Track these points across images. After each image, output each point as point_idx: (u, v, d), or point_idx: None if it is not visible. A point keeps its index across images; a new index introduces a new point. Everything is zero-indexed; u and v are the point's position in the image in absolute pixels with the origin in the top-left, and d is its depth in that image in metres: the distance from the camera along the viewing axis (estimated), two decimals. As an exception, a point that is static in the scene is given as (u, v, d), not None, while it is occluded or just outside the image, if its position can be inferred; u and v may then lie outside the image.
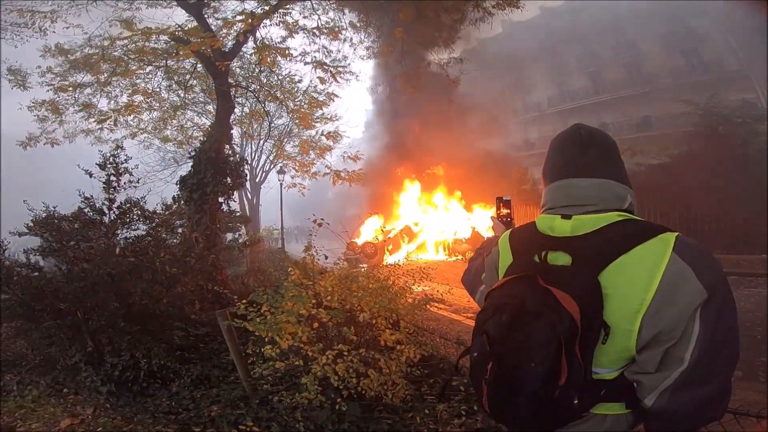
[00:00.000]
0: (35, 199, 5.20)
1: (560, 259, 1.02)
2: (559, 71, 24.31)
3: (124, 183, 4.98)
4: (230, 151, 8.36)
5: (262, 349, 3.07)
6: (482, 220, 17.87)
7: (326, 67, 8.27)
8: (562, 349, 0.87)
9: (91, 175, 4.84)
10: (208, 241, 5.85)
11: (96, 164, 4.89)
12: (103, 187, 4.82)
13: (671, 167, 14.35)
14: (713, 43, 19.29)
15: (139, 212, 5.18)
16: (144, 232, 5.65)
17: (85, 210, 4.85)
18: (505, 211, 1.81)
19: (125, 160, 5.04)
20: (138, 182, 5.19)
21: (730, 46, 18.78)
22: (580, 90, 23.83)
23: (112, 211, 4.83)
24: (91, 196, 4.85)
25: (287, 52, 7.66)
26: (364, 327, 2.93)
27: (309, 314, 2.85)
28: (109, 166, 4.86)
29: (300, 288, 3.01)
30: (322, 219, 4.57)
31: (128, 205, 5.00)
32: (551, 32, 23.20)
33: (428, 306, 3.49)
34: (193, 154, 7.80)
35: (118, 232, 4.95)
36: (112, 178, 4.81)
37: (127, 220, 4.97)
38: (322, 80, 8.88)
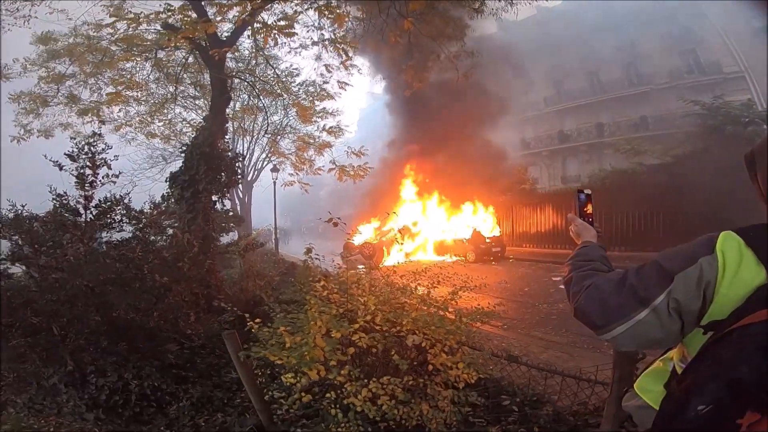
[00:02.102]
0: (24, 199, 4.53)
1: None
2: (556, 71, 24.14)
3: (102, 177, 4.28)
4: (225, 146, 7.74)
5: (282, 377, 2.53)
6: (474, 219, 17.52)
7: (338, 46, 7.69)
8: None
9: (61, 168, 4.15)
10: (203, 244, 5.24)
11: (65, 155, 4.17)
12: (76, 183, 4.12)
13: (674, 167, 14.14)
14: (711, 44, 19.32)
15: (123, 211, 4.50)
16: (130, 235, 5.02)
17: (60, 209, 4.16)
18: (590, 209, 1.41)
19: (103, 149, 4.32)
20: (117, 176, 4.46)
21: (728, 47, 18.82)
22: (577, 90, 23.68)
23: (89, 211, 4.14)
24: (65, 192, 4.16)
25: (291, 32, 7.07)
26: (411, 350, 2.41)
27: (342, 336, 2.31)
28: (83, 157, 4.15)
29: (329, 304, 2.46)
30: (339, 218, 4.05)
31: (109, 203, 4.30)
32: (548, 32, 23.03)
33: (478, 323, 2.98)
34: (183, 149, 7.15)
35: (98, 234, 4.28)
36: (88, 171, 4.11)
37: (108, 220, 4.28)
38: (328, 68, 8.32)
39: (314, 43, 8.21)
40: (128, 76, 9.85)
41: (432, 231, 17.82)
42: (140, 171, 13.92)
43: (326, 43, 7.97)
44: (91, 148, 4.14)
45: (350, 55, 8.19)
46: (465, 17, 9.71)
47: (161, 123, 12.34)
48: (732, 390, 0.78)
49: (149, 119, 11.44)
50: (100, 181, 4.20)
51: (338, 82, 9.87)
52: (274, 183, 15.92)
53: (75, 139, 4.37)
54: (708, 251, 0.90)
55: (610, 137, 21.01)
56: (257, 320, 2.70)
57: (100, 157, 4.20)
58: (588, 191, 1.42)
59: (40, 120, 10.15)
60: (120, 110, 10.66)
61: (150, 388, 3.75)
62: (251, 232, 16.91)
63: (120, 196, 4.44)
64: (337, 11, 7.29)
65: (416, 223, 17.72)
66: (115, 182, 4.36)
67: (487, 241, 15.70)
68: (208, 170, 6.77)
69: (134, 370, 3.86)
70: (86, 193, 4.07)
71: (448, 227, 17.74)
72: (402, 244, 15.36)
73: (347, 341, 2.35)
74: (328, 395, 2.42)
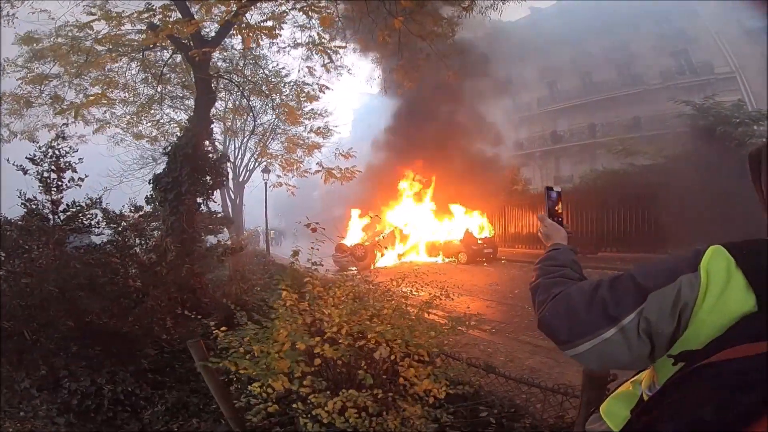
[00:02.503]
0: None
1: None
2: (549, 71, 24.20)
3: (68, 181, 4.15)
4: (210, 147, 7.63)
5: (250, 387, 2.45)
6: (467, 220, 17.48)
7: (323, 47, 7.58)
8: None
9: (25, 172, 4.04)
10: (183, 247, 5.13)
11: (27, 158, 4.06)
12: (40, 187, 4.01)
13: (665, 168, 14.15)
14: (702, 44, 19.43)
15: (101, 215, 4.39)
16: (109, 238, 4.93)
17: (29, 214, 4.04)
18: (560, 208, 1.28)
19: (66, 153, 4.19)
20: (83, 180, 4.31)
21: (720, 47, 18.93)
22: (570, 90, 23.75)
23: (56, 216, 4.03)
24: (34, 197, 4.05)
25: (274, 32, 6.95)
26: (380, 362, 2.32)
27: (308, 348, 2.23)
28: (46, 160, 4.04)
29: (295, 314, 2.39)
30: (317, 223, 3.97)
31: (78, 207, 4.18)
32: (542, 33, 23.09)
33: (460, 329, 2.88)
34: (167, 150, 7.04)
35: (70, 238, 4.17)
36: (53, 175, 4.00)
37: (78, 224, 4.17)
38: (311, 71, 8.22)
39: (297, 45, 8.10)
40: (113, 76, 9.72)
41: (424, 232, 17.77)
42: (130, 172, 13.79)
43: (310, 46, 7.86)
44: (55, 151, 4.03)
45: (332, 58, 8.09)
46: (455, 16, 9.66)
47: (150, 123, 12.25)
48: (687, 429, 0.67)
49: (136, 119, 11.30)
50: (66, 184, 4.09)
51: (318, 85, 9.79)
52: (265, 184, 15.81)
53: (37, 142, 4.25)
54: (691, 268, 0.78)
55: (602, 138, 21.06)
56: (223, 328, 2.64)
57: (65, 160, 4.09)
58: (558, 188, 1.30)
59: (23, 121, 10.00)
60: (105, 111, 10.52)
61: (123, 393, 3.66)
62: (242, 234, 16.81)
63: (95, 198, 4.32)
64: (325, 12, 7.20)
65: (407, 224, 17.65)
66: (80, 185, 4.24)
67: (479, 242, 15.66)
68: (191, 172, 6.67)
69: (108, 374, 3.78)
70: (52, 197, 3.96)
71: (441, 228, 17.70)
72: (388, 248, 15.31)
73: (313, 352, 2.27)
74: (295, 406, 2.34)
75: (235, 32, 7.83)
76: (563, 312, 0.92)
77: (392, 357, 2.27)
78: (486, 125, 19.97)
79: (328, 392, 2.19)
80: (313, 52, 8.00)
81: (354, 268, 12.92)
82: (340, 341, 2.22)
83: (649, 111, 19.37)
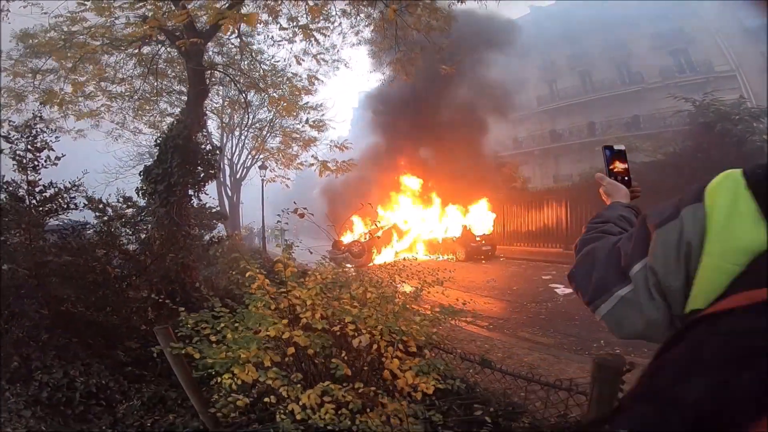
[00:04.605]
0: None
1: None
2: (548, 70, 24.12)
3: (44, 161, 3.98)
4: (203, 139, 7.49)
5: (221, 378, 2.30)
6: (460, 219, 17.33)
7: (308, 32, 7.41)
8: None
9: (0, 152, 3.90)
10: (168, 238, 4.99)
11: (1, 136, 3.91)
12: (14, 166, 3.85)
13: (666, 165, 14.03)
14: (701, 43, 19.37)
15: (82, 200, 4.25)
16: (96, 226, 4.81)
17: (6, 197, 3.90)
18: (621, 166, 1.17)
19: (42, 132, 3.98)
20: (59, 159, 4.15)
21: (718, 46, 18.85)
22: (569, 89, 23.66)
23: (32, 197, 3.88)
24: (12, 180, 3.90)
25: (252, 19, 6.80)
26: (362, 353, 2.15)
27: (279, 335, 2.07)
28: (22, 139, 3.87)
29: (269, 299, 2.23)
30: (305, 208, 3.84)
31: (56, 189, 4.03)
32: (541, 31, 23.01)
33: (451, 320, 2.69)
34: (158, 141, 6.92)
35: (49, 221, 4.02)
36: (29, 154, 3.83)
37: (55, 207, 4.02)
38: (298, 60, 8.05)
39: (282, 29, 7.91)
40: (109, 70, 9.59)
41: (423, 229, 17.64)
42: (126, 168, 13.72)
43: (295, 30, 7.67)
44: (30, 130, 3.88)
45: (320, 42, 7.91)
46: (453, 8, 9.53)
47: (148, 117, 12.16)
48: (663, 419, 0.46)
49: (133, 114, 11.20)
50: (42, 164, 3.95)
51: (309, 76, 9.66)
52: (262, 180, 15.72)
53: (14, 122, 4.10)
54: (696, 197, 0.59)
55: (602, 136, 20.95)
56: (193, 314, 2.50)
57: (41, 139, 3.93)
58: (618, 146, 1.19)
59: (20, 116, 9.87)
60: (101, 105, 10.40)
61: (96, 386, 3.51)
62: (239, 231, 16.69)
63: (75, 181, 4.17)
64: (310, 3, 7.05)
65: (406, 221, 17.53)
66: (57, 164, 4.08)
67: (477, 239, 15.53)
68: (182, 163, 6.53)
69: (83, 366, 3.63)
70: (30, 177, 3.81)
71: (440, 225, 17.57)
72: (383, 243, 15.16)
73: (286, 341, 2.11)
74: (267, 399, 2.18)
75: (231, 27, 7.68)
76: (586, 269, 0.77)
77: (375, 347, 2.08)
78: (484, 122, 19.85)
79: (299, 385, 2.01)
80: (291, 32, 7.76)
81: (351, 266, 12.77)
82: (314, 327, 2.05)
83: (649, 109, 19.31)
